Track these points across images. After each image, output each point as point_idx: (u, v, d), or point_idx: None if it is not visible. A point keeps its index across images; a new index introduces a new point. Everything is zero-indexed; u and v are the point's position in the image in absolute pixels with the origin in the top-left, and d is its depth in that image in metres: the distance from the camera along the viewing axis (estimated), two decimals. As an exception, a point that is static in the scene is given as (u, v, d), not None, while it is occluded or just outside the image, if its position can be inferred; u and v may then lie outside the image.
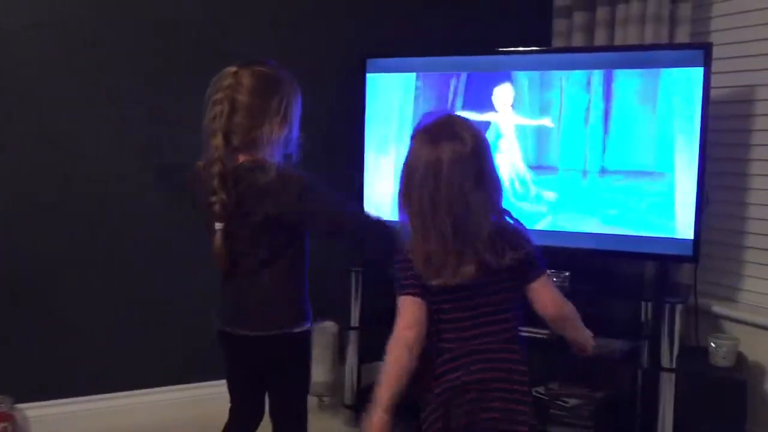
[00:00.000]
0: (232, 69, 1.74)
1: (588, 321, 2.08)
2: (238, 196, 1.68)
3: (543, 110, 2.48)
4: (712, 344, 2.34)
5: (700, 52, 2.27)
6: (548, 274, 1.57)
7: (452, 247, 1.46)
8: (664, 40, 2.54)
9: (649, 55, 2.39)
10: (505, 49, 2.57)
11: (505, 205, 1.54)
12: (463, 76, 2.58)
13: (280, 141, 1.75)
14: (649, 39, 2.55)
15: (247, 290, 1.75)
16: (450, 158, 1.44)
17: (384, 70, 2.68)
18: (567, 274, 2.41)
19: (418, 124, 1.54)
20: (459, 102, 2.58)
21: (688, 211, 2.29)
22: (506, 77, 2.52)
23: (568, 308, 1.59)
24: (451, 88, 2.59)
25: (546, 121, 2.48)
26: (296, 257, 1.76)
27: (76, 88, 2.51)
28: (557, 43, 2.89)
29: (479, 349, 1.51)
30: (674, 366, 2.27)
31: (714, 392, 2.27)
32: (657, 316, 2.35)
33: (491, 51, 2.59)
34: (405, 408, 1.51)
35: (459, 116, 1.58)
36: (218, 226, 1.70)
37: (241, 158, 1.71)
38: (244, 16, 2.73)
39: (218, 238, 1.70)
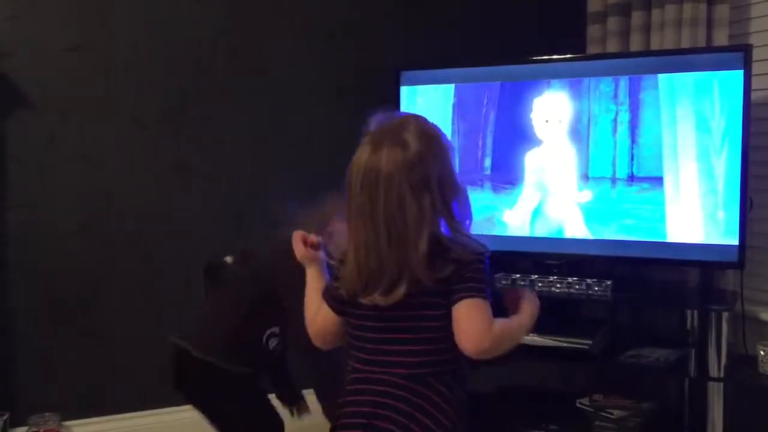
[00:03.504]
0: None
1: (632, 330, 2.04)
2: None
3: (575, 118, 2.46)
4: (762, 352, 2.28)
5: (740, 54, 2.23)
6: (480, 298, 1.37)
7: (387, 264, 1.35)
8: (702, 43, 2.50)
9: (687, 58, 2.35)
10: (538, 57, 2.55)
11: (464, 215, 1.43)
12: (496, 86, 2.57)
13: None
14: (686, 43, 2.51)
15: None
16: (389, 166, 1.34)
17: (418, 83, 2.68)
18: (609, 282, 2.38)
19: (369, 125, 1.46)
20: (492, 114, 2.57)
21: (731, 217, 2.25)
22: (545, 86, 2.50)
23: (494, 339, 1.38)
24: (485, 100, 2.58)
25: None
26: None
27: (112, 109, 2.57)
28: (592, 49, 2.86)
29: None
30: (722, 375, 2.21)
31: (764, 401, 2.21)
32: (703, 324, 2.30)
33: (525, 60, 2.58)
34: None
35: (413, 118, 1.45)
36: None
37: None
38: (275, 34, 2.76)
39: None
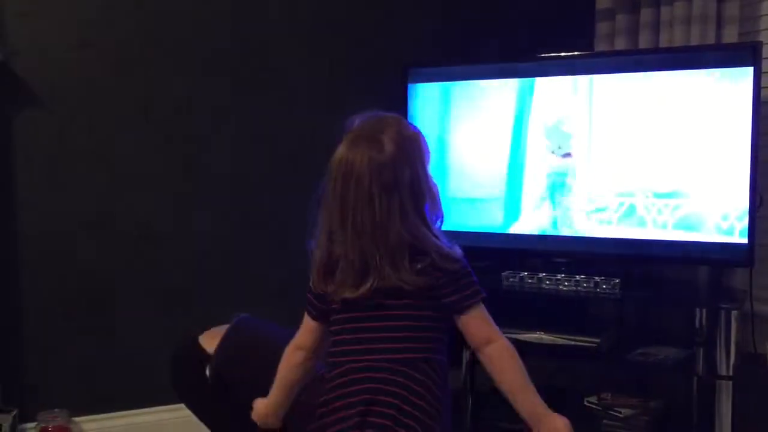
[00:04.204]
0: None
1: (641, 329, 2.03)
2: None
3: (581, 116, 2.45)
4: (771, 351, 2.27)
5: (749, 51, 2.21)
6: (482, 307, 1.49)
7: (355, 258, 1.42)
8: (711, 40, 2.49)
9: (696, 56, 2.34)
10: (546, 54, 2.54)
11: (436, 218, 1.49)
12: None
13: None
14: (695, 40, 2.50)
15: None
16: (362, 165, 1.41)
17: (425, 80, 2.68)
18: (617, 281, 2.37)
19: (350, 122, 1.53)
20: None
21: (741, 215, 2.24)
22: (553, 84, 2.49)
23: (506, 342, 1.49)
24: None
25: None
26: None
27: (121, 107, 2.57)
28: (600, 46, 2.85)
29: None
30: (731, 374, 2.20)
31: (773, 400, 2.20)
32: (711, 323, 2.29)
33: (532, 57, 2.57)
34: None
35: (393, 120, 1.51)
36: None
37: None
38: (282, 32, 2.77)
39: None
